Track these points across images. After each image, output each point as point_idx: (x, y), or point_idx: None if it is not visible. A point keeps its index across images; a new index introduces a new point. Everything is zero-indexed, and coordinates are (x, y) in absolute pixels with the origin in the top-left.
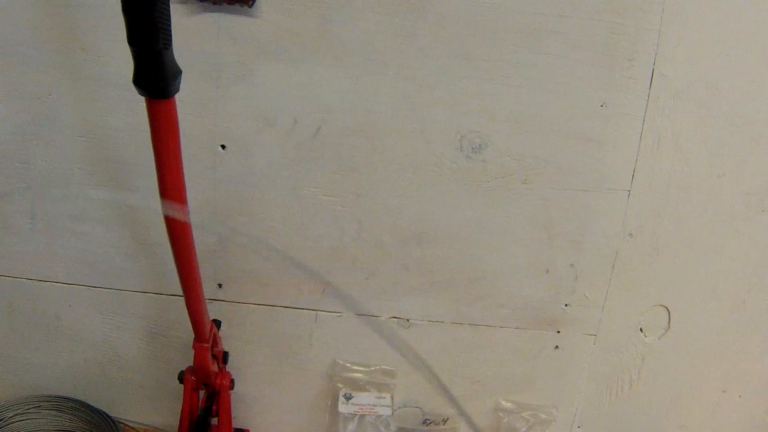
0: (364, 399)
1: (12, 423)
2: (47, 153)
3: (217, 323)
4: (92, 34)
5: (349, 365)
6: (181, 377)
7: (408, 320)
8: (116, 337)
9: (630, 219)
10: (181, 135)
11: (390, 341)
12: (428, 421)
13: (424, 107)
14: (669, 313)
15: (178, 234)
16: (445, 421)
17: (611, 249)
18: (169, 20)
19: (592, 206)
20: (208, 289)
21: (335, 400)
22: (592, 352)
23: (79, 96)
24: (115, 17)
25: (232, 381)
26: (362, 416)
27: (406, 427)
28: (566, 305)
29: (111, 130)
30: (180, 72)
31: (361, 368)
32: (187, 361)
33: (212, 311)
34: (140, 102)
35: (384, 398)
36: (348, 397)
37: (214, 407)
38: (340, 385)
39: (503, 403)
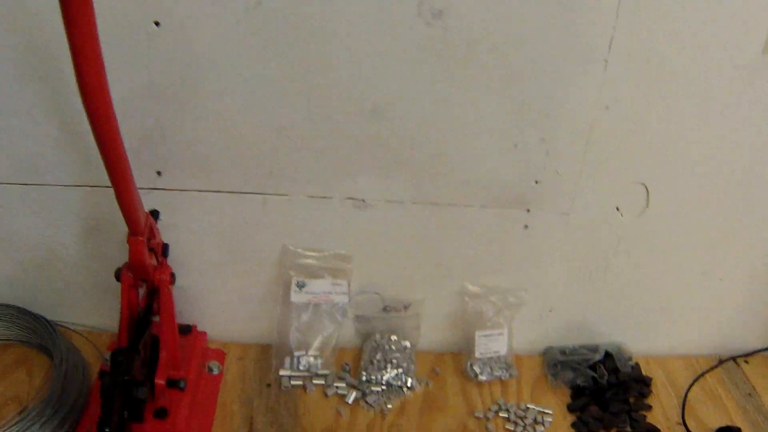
0: (318, 286)
1: None
2: None
3: (154, 214)
4: None
5: (300, 251)
6: (118, 275)
7: (364, 201)
8: (51, 237)
9: (606, 90)
10: (108, 12)
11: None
12: (388, 308)
13: None
14: (647, 190)
15: (101, 121)
16: (406, 307)
17: (585, 122)
18: None
19: (566, 76)
20: (146, 178)
21: (287, 289)
22: (565, 231)
23: None
24: None
25: (172, 275)
26: (317, 305)
27: (365, 314)
28: (536, 182)
29: (31, 15)
30: None
31: (314, 254)
32: (125, 257)
33: (151, 201)
34: None
35: (340, 285)
36: (301, 285)
37: (154, 305)
38: (292, 273)
39: (469, 287)
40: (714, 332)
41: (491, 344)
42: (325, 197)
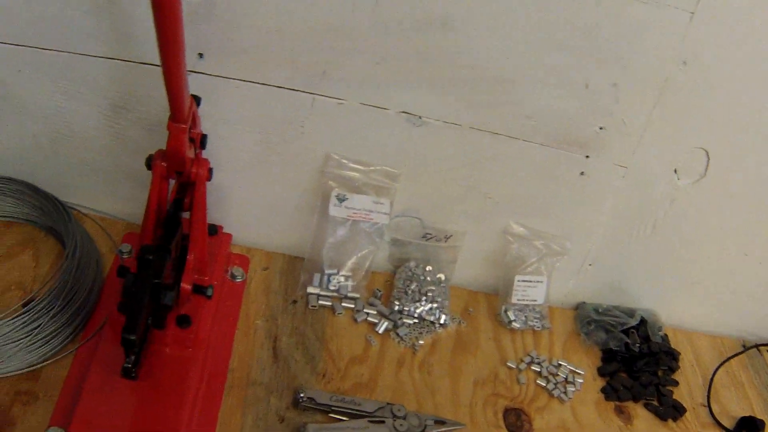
0: (359, 202)
1: None
2: None
3: (196, 99)
4: None
5: (345, 161)
6: (149, 162)
7: (420, 117)
8: (72, 110)
9: (688, 44)
10: None
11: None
12: (429, 236)
13: None
14: (708, 158)
15: None
16: (447, 238)
17: (661, 75)
18: None
19: (649, 22)
20: (187, 59)
21: (326, 200)
22: (620, 185)
23: None
24: None
25: (210, 170)
26: (355, 222)
27: (403, 239)
28: (600, 128)
29: None
30: None
31: (360, 167)
32: (155, 142)
33: (191, 85)
34: None
35: (382, 204)
36: (341, 199)
37: (186, 199)
38: (333, 184)
39: (515, 226)
40: (742, 316)
41: (529, 291)
42: (379, 107)
